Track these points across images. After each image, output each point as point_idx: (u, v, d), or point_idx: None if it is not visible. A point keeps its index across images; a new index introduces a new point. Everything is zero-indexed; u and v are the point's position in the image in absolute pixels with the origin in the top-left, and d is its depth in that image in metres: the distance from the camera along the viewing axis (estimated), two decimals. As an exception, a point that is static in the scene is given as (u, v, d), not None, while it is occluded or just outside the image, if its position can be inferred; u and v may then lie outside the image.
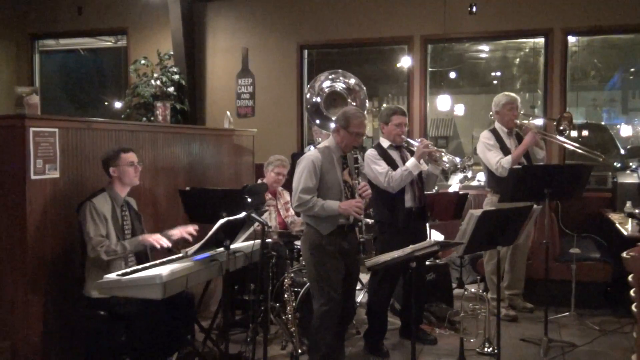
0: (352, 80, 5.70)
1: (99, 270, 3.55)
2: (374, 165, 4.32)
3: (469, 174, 5.41)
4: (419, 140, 4.45)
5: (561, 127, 5.11)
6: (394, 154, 4.43)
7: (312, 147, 5.51)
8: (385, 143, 4.47)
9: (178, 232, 3.94)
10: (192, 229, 3.96)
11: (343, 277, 3.86)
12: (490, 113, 5.36)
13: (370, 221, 4.72)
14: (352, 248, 3.93)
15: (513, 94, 5.23)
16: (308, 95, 5.76)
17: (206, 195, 4.55)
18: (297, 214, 4.84)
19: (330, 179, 3.79)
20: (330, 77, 5.69)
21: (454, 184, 6.46)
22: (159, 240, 3.72)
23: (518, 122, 5.20)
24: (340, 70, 5.78)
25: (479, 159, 5.30)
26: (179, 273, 3.40)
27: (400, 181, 4.24)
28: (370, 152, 4.43)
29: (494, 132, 5.22)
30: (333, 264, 3.80)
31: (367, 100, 5.74)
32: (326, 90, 5.65)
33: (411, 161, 4.27)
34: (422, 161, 4.31)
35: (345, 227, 3.85)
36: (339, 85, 5.66)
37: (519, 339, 4.68)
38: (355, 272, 4.07)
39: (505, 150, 5.11)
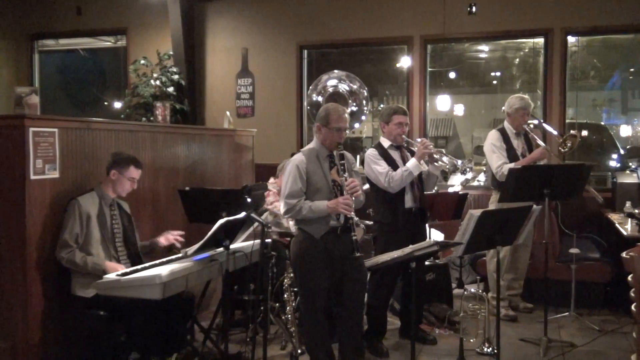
0: (356, 85, 5.70)
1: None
2: (375, 165, 4.31)
3: (470, 176, 5.39)
4: (420, 140, 4.44)
5: (565, 144, 5.08)
6: (395, 154, 4.43)
7: None
8: (385, 143, 4.46)
9: (163, 239, 4.02)
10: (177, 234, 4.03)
11: (338, 279, 3.81)
12: (503, 109, 5.30)
13: (369, 222, 4.71)
14: (346, 251, 3.75)
15: (528, 100, 5.18)
16: (308, 92, 5.76)
17: (206, 195, 4.55)
18: None
19: (317, 181, 3.73)
20: (343, 77, 5.69)
21: (456, 185, 6.45)
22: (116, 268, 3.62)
23: (525, 127, 5.20)
24: (351, 74, 5.77)
25: (480, 158, 5.29)
26: (179, 273, 3.41)
27: (400, 181, 4.23)
28: (371, 152, 4.43)
29: (503, 132, 5.22)
30: (320, 272, 3.73)
31: (365, 102, 5.73)
32: (329, 89, 5.65)
33: (412, 162, 4.26)
34: (422, 162, 4.29)
35: (338, 230, 3.75)
36: (343, 87, 5.66)
37: (518, 339, 4.68)
38: (353, 272, 3.82)
39: (512, 151, 5.13)
